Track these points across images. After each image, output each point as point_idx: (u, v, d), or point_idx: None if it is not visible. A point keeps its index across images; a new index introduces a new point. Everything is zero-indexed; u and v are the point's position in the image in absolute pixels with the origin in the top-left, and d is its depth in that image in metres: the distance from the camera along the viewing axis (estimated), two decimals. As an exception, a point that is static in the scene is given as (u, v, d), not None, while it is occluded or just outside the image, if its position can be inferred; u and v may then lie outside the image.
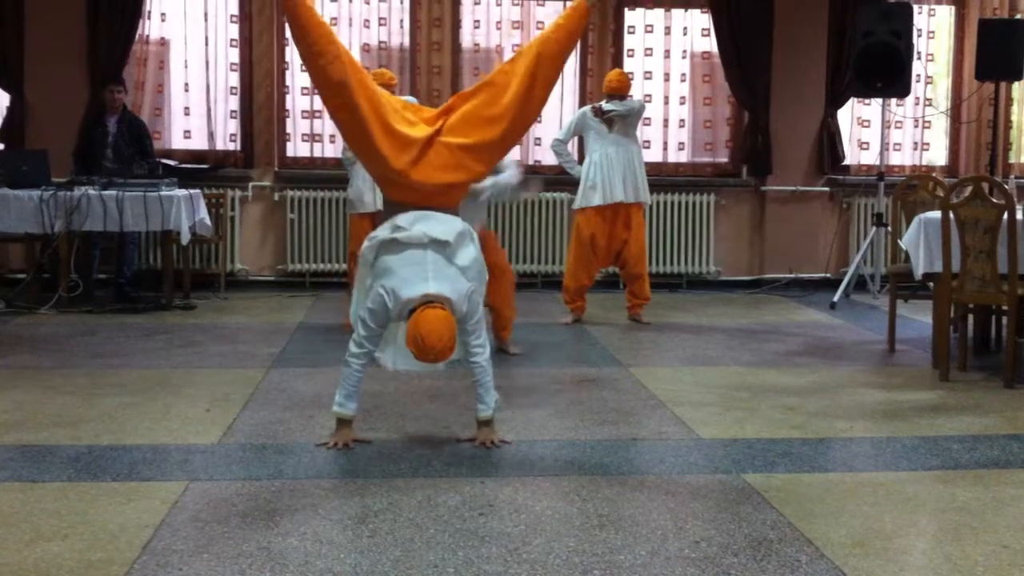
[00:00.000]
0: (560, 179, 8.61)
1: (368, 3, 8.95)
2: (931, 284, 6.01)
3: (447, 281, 4.01)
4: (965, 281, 5.47)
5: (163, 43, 8.95)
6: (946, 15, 9.51)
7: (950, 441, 4.41)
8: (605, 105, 7.22)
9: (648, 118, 8.93)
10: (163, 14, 8.87)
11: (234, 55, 8.93)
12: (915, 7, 8.65)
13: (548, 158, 8.75)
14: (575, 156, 7.89)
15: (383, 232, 4.15)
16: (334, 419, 4.24)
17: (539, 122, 9.10)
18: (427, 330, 3.84)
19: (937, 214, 5.60)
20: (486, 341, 4.22)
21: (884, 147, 8.86)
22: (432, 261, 4.03)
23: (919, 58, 9.01)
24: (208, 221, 7.82)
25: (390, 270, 4.04)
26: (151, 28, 8.82)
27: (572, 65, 9.11)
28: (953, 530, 3.39)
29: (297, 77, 8.82)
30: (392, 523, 3.35)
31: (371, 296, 4.07)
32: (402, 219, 4.13)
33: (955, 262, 5.48)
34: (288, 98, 8.93)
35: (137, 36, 8.67)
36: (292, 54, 8.91)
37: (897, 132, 9.42)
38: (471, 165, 4.28)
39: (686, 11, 9.19)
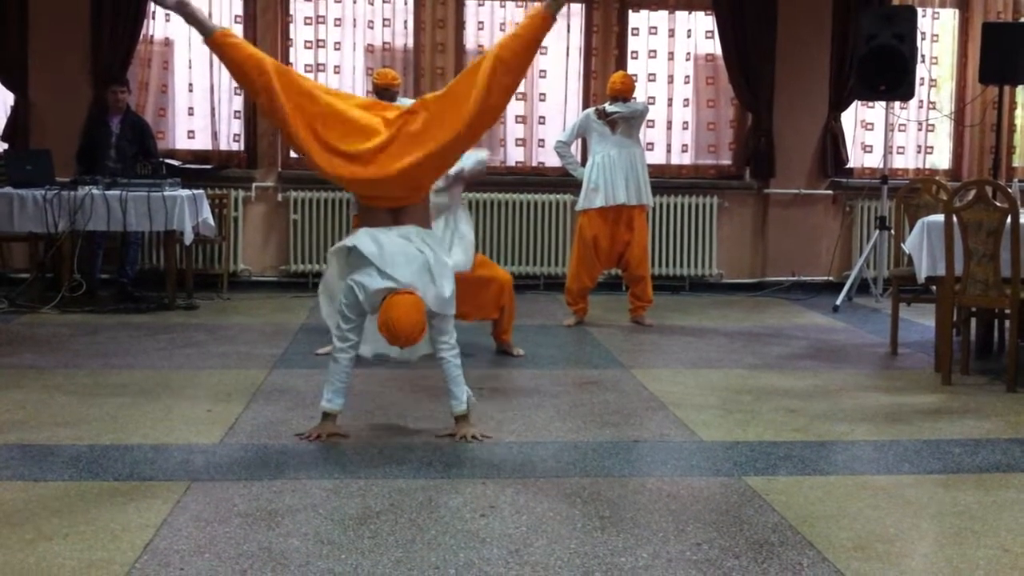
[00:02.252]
0: (563, 181, 8.63)
1: (372, 4, 8.96)
2: (934, 287, 6.01)
3: (413, 275, 4.14)
4: (968, 285, 5.47)
5: (167, 43, 8.96)
6: (950, 18, 9.51)
7: (952, 445, 4.40)
8: (609, 107, 7.23)
9: (651, 120, 8.94)
10: (167, 15, 8.85)
11: (238, 56, 8.92)
12: (919, 10, 8.64)
13: (551, 160, 8.76)
14: (578, 158, 7.90)
15: (349, 240, 4.26)
16: (320, 413, 4.34)
17: (543, 123, 9.15)
18: (397, 315, 4.00)
19: (940, 217, 5.60)
20: (453, 338, 4.31)
21: (888, 150, 8.86)
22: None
23: (923, 61, 9.01)
24: (211, 221, 7.82)
25: (359, 266, 4.17)
26: (155, 28, 8.84)
27: (576, 67, 9.13)
28: (955, 534, 3.39)
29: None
30: (393, 524, 3.35)
31: (344, 291, 4.21)
32: (366, 247, 4.17)
33: (958, 265, 5.48)
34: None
35: (141, 36, 8.68)
36: (296, 55, 8.94)
37: (901, 135, 9.41)
38: (426, 179, 4.38)
39: (690, 13, 9.19)
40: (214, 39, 4.28)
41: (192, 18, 4.33)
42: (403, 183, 4.24)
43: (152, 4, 8.63)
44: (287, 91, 4.22)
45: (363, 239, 4.20)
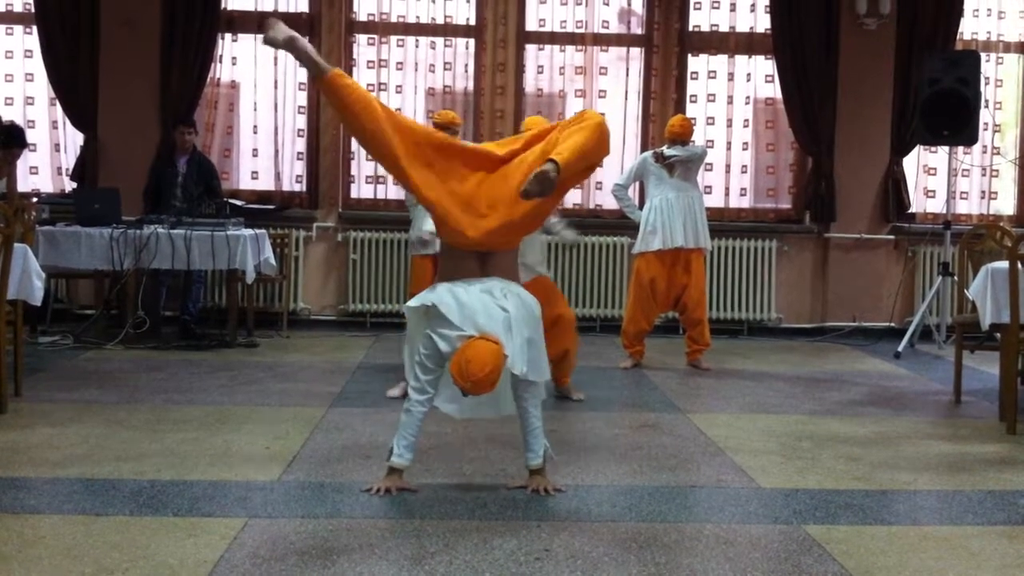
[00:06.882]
0: (620, 223, 8.63)
1: (433, 48, 9.09)
2: (998, 335, 5.90)
3: (496, 332, 3.95)
4: (1034, 332, 5.37)
5: (233, 86, 9.16)
6: (1014, 63, 9.41)
7: (1017, 496, 4.30)
8: (667, 150, 7.23)
9: (710, 163, 8.92)
10: (234, 58, 9.07)
11: (302, 98, 9.10)
12: (983, 55, 8.57)
13: (608, 202, 8.77)
14: (635, 201, 7.91)
15: (427, 299, 4.08)
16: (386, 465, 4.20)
17: (600, 166, 9.14)
18: (472, 355, 3.78)
19: (1004, 264, 5.52)
20: (541, 393, 4.17)
21: (951, 195, 8.75)
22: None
23: (987, 106, 8.91)
24: (273, 260, 7.93)
25: (439, 322, 4.01)
26: (222, 71, 9.04)
27: (635, 110, 9.16)
28: (1020, 588, 3.31)
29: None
30: (448, 565, 3.35)
31: (423, 342, 4.06)
32: (444, 305, 4.00)
33: (1023, 313, 5.38)
34: (353, 141, 9.05)
35: (208, 79, 8.88)
36: (358, 97, 9.05)
37: (964, 180, 9.30)
38: (516, 235, 4.26)
39: (750, 57, 9.20)
40: (327, 80, 4.04)
41: (304, 55, 4.08)
42: (503, 240, 4.14)
43: (220, 47, 8.91)
44: (399, 135, 4.06)
45: (441, 296, 4.02)
